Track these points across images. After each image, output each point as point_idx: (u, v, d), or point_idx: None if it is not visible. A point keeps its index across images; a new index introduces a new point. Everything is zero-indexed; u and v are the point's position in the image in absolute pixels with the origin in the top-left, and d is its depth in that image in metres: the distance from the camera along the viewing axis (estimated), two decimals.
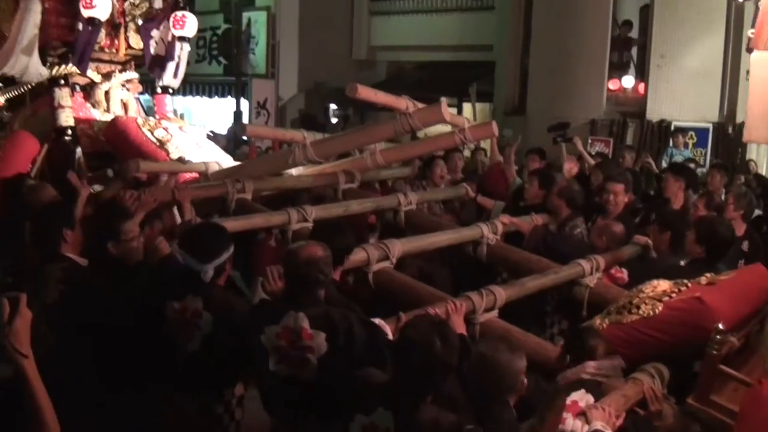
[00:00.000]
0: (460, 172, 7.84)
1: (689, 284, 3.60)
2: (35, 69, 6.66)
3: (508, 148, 7.70)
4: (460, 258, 5.17)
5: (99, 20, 6.64)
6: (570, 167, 7.66)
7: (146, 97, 9.09)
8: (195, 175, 6.18)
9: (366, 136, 6.01)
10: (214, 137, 9.55)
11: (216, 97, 17.50)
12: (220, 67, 17.17)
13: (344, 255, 3.77)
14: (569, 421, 2.69)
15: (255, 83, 16.59)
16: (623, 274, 4.68)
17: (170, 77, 7.61)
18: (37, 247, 3.85)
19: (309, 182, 6.02)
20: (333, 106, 16.44)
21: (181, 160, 6.41)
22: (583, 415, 2.73)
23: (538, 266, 4.55)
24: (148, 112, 8.34)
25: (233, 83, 16.18)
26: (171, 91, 7.94)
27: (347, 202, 5.54)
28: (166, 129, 7.03)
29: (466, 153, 9.48)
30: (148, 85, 8.63)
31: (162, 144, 6.77)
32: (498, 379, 2.88)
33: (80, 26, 6.69)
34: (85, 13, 6.56)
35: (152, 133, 6.84)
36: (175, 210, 4.79)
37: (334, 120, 16.24)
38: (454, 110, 15.69)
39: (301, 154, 5.60)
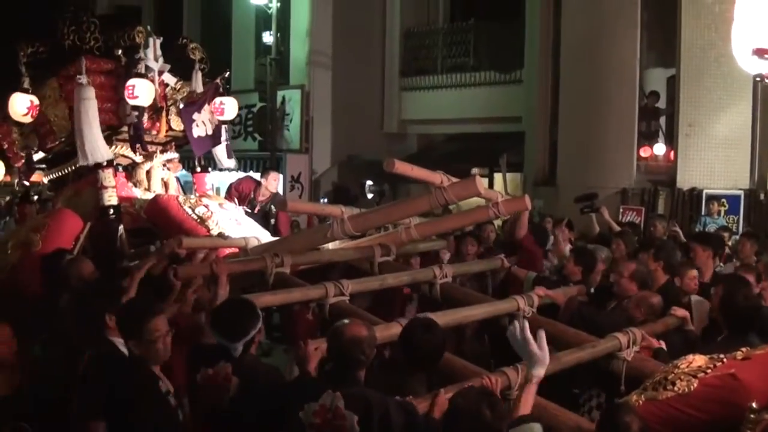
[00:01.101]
0: (491, 243, 7.98)
1: (725, 359, 3.57)
2: (106, 151, 7.00)
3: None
4: (495, 330, 5.18)
5: (143, 107, 6.98)
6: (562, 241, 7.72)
7: (182, 173, 9.34)
8: (234, 250, 6.31)
9: (402, 211, 6.09)
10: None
11: (251, 171, 17.87)
12: (255, 142, 17.63)
13: None
14: None
15: (289, 158, 16.95)
16: (661, 345, 4.62)
17: (225, 158, 7.94)
18: (80, 327, 3.98)
19: (346, 256, 6.09)
20: (369, 182, 16.69)
21: (221, 236, 6.57)
22: None
23: (576, 340, 4.55)
24: (186, 189, 8.62)
25: (268, 158, 16.54)
26: (210, 170, 8.19)
27: (383, 276, 5.62)
28: (206, 206, 7.20)
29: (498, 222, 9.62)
30: (186, 162, 8.92)
31: (203, 221, 6.94)
32: None
33: (128, 111, 7.02)
34: (130, 102, 6.91)
35: (193, 210, 7.01)
36: None
37: (369, 195, 16.46)
38: (485, 180, 15.87)
39: (339, 229, 5.68)
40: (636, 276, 5.30)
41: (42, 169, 7.97)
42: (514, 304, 5.00)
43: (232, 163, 8.19)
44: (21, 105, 6.89)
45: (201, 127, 7.66)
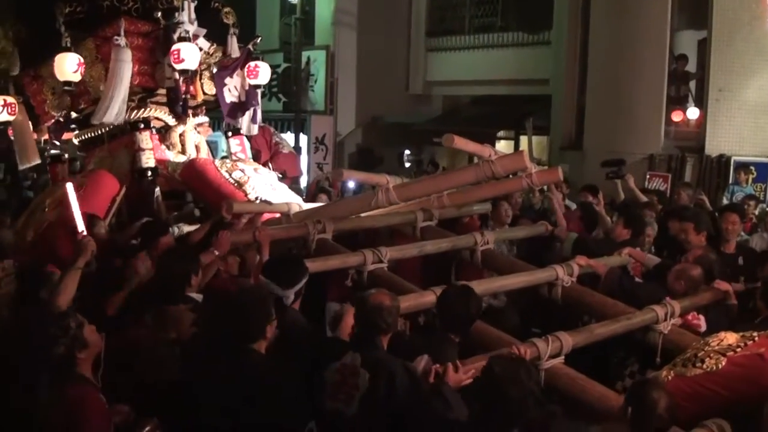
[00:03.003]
0: (517, 210, 8.00)
1: (757, 337, 3.60)
2: (122, 114, 7.05)
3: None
4: (532, 298, 5.23)
5: (190, 71, 7.02)
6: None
7: (211, 137, 9.36)
8: (275, 215, 6.33)
9: (448, 181, 6.16)
10: None
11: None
12: (280, 103, 17.65)
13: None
14: None
15: (314, 119, 16.97)
16: (700, 321, 4.64)
17: (248, 124, 7.96)
18: (163, 287, 4.20)
19: (388, 221, 6.10)
20: (407, 152, 16.67)
21: (267, 202, 6.58)
22: None
23: (614, 311, 4.55)
24: (215, 152, 8.71)
25: (293, 119, 16.58)
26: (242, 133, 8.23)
27: (422, 243, 5.66)
28: (242, 170, 7.24)
29: None
30: (215, 124, 8.94)
31: (240, 185, 6.99)
32: None
33: (176, 76, 7.08)
34: (177, 66, 6.95)
35: (230, 175, 7.06)
36: None
37: (407, 164, 16.47)
38: (510, 144, 15.83)
39: (383, 197, 5.76)
40: (701, 261, 5.15)
41: (72, 129, 8.04)
42: (552, 273, 5.00)
43: (255, 129, 8.19)
44: (70, 64, 6.85)
45: (233, 92, 7.72)
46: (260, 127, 8.54)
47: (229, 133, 8.24)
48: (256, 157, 8.69)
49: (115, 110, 6.91)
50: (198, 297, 4.23)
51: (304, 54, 16.76)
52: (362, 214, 6.07)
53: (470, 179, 5.95)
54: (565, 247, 5.87)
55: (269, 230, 5.25)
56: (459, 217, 6.82)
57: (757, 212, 8.64)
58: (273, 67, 17.20)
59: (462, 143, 5.81)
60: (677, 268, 5.00)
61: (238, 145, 8.25)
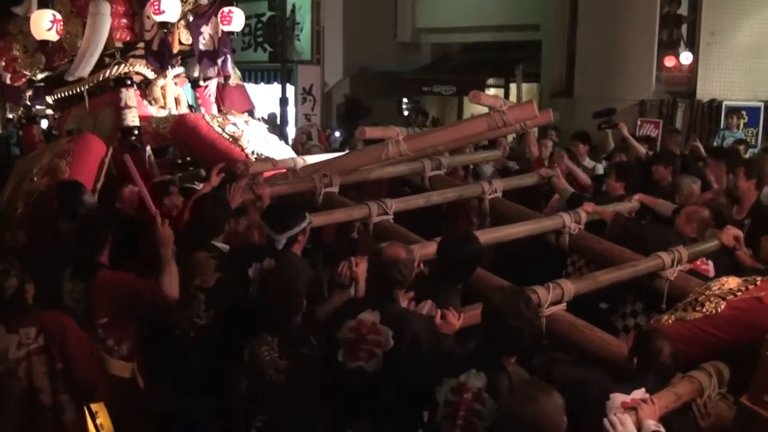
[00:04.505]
0: (505, 158, 7.92)
1: (759, 281, 3.60)
2: (89, 69, 6.86)
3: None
4: (538, 246, 5.15)
5: (171, 23, 6.83)
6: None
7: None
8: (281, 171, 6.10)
9: (459, 131, 6.02)
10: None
11: (262, 83, 17.68)
12: (266, 53, 17.26)
13: None
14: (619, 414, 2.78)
15: (300, 69, 16.70)
16: (709, 266, 4.61)
17: (229, 69, 7.79)
18: (194, 233, 4.30)
19: (395, 172, 5.99)
20: (404, 99, 16.45)
21: (270, 159, 6.26)
22: (632, 409, 2.84)
23: (620, 258, 4.51)
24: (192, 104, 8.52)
25: (279, 69, 16.27)
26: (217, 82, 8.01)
27: (428, 194, 5.58)
28: (234, 124, 7.03)
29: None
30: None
31: (235, 140, 6.80)
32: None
33: (155, 28, 6.88)
34: (157, 18, 6.74)
35: (223, 130, 6.85)
36: None
37: (405, 113, 16.26)
38: (500, 91, 15.66)
39: (394, 149, 5.63)
40: (710, 206, 5.09)
41: (42, 88, 7.74)
42: (560, 221, 4.92)
43: (233, 74, 8.04)
44: (45, 20, 6.62)
45: (208, 41, 7.53)
46: None
47: (201, 83, 7.99)
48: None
49: (88, 65, 6.74)
50: (224, 247, 4.28)
51: (289, 2, 16.36)
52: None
53: (482, 129, 5.82)
54: (560, 203, 5.77)
55: (275, 185, 5.17)
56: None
57: (748, 156, 8.57)
58: (257, 16, 17.13)
59: (489, 100, 5.85)
60: (687, 210, 4.91)
61: (198, 98, 8.07)
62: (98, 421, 3.69)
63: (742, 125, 10.73)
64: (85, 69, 6.73)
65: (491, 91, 15.31)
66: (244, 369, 3.46)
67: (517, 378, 2.97)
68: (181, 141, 7.06)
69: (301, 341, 3.47)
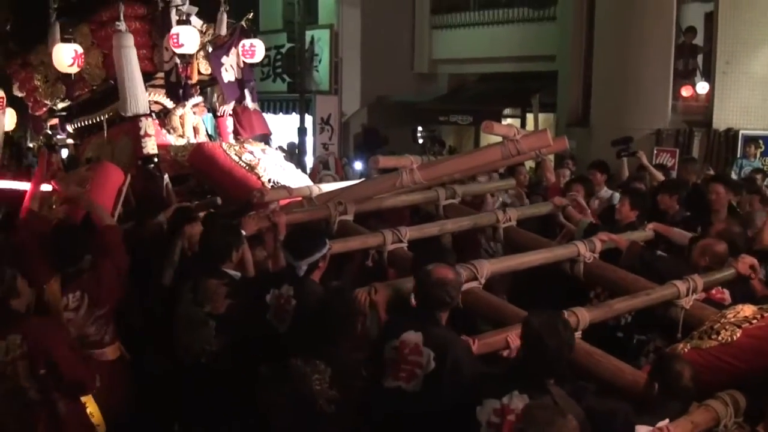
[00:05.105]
0: (524, 186, 7.93)
1: None
2: (145, 102, 6.99)
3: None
4: (554, 275, 5.09)
5: (189, 55, 6.96)
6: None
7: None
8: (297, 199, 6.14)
9: (473, 160, 6.04)
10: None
11: (281, 113, 17.88)
12: (285, 84, 17.53)
13: None
14: None
15: (319, 99, 16.88)
16: (725, 295, 4.56)
17: (249, 102, 7.92)
18: (204, 260, 4.39)
19: (409, 200, 5.97)
20: (419, 128, 16.55)
21: (286, 188, 6.30)
22: None
23: (635, 286, 4.49)
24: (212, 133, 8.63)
25: (297, 100, 16.50)
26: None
27: (443, 222, 5.55)
28: (251, 152, 7.06)
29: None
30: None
31: (252, 168, 6.83)
32: None
33: (174, 60, 7.02)
34: (177, 50, 6.88)
35: (240, 158, 6.89)
36: None
37: (420, 141, 16.36)
38: (517, 121, 15.72)
39: (408, 178, 5.64)
40: (723, 236, 4.98)
41: (63, 117, 7.90)
42: (574, 249, 4.89)
43: (253, 105, 8.14)
44: (66, 55, 6.77)
45: (230, 72, 7.64)
46: None
47: (220, 113, 8.13)
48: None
49: (141, 98, 6.87)
50: (235, 274, 4.29)
51: (308, 33, 16.63)
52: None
53: (495, 157, 5.84)
54: (577, 234, 5.73)
55: (291, 213, 5.18)
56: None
57: (765, 185, 8.54)
58: (276, 48, 17.38)
59: (501, 129, 5.89)
60: (702, 244, 4.85)
61: (217, 127, 8.18)
62: (88, 410, 3.96)
63: (759, 154, 10.66)
64: (138, 103, 6.86)
65: (508, 121, 15.37)
66: (291, 395, 3.51)
67: (560, 399, 3.01)
68: (199, 169, 7.11)
69: (354, 372, 3.53)
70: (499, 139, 5.96)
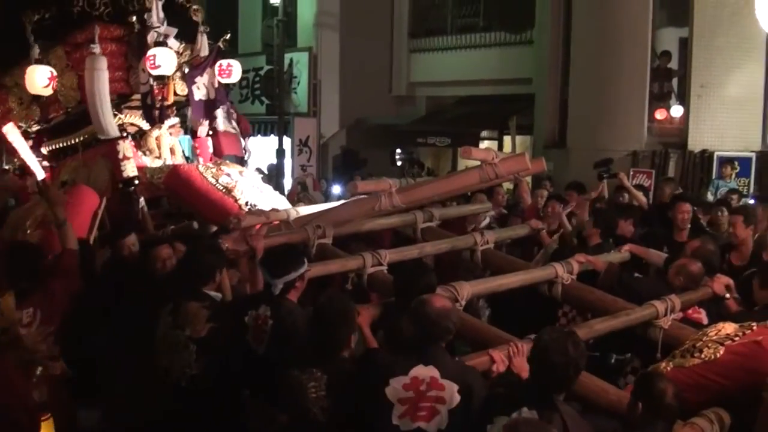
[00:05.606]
0: (502, 206, 7.95)
1: (755, 326, 3.60)
2: (114, 126, 6.91)
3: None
4: (531, 296, 5.14)
5: (166, 77, 6.92)
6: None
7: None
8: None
9: (451, 184, 6.10)
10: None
11: (259, 135, 17.80)
12: (263, 106, 17.55)
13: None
14: None
15: (297, 121, 16.88)
16: (701, 314, 4.60)
17: (223, 121, 7.82)
18: (185, 281, 4.28)
19: (387, 223, 5.97)
20: (398, 150, 16.57)
21: (264, 212, 6.32)
22: None
23: (613, 307, 4.52)
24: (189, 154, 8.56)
25: (276, 122, 16.48)
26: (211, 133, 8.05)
27: (422, 245, 5.57)
28: (228, 175, 7.02)
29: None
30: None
31: (228, 191, 6.79)
32: None
33: (150, 81, 6.96)
34: (153, 72, 6.83)
35: (217, 180, 6.85)
36: None
37: (398, 163, 16.35)
38: (494, 143, 15.80)
39: (387, 201, 5.66)
40: (697, 255, 5.04)
41: (36, 139, 7.74)
42: (552, 271, 4.91)
43: (231, 126, 8.04)
44: (41, 77, 6.73)
45: (202, 90, 7.58)
46: None
47: (199, 134, 8.00)
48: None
49: (111, 122, 6.80)
50: (216, 295, 4.23)
51: (287, 56, 16.67)
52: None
53: (474, 181, 5.92)
54: (544, 257, 5.79)
55: (269, 237, 5.13)
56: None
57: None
58: (255, 70, 17.39)
59: (480, 154, 5.99)
60: (677, 264, 4.90)
61: (196, 148, 8.08)
62: None
63: (734, 175, 10.79)
64: (107, 125, 6.79)
65: (485, 143, 15.45)
66: (287, 403, 3.48)
67: (568, 415, 3.01)
68: (175, 192, 7.05)
69: (348, 381, 3.45)
70: (477, 162, 6.02)
